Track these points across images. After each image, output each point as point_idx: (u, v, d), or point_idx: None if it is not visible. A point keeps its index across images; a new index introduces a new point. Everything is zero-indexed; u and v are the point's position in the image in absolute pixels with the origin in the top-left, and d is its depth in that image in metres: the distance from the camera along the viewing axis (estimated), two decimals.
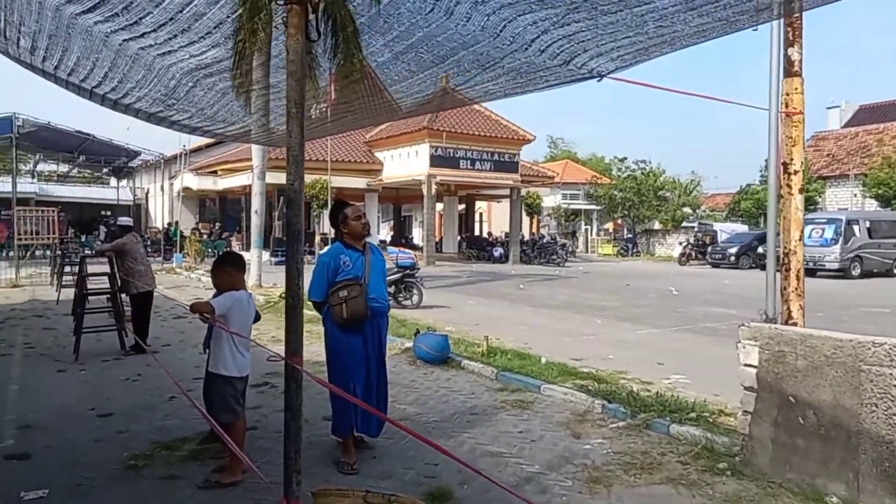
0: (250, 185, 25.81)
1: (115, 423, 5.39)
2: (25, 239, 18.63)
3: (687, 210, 43.41)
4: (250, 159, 25.50)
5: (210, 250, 26.63)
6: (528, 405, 5.99)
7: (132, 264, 8.36)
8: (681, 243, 33.97)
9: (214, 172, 33.18)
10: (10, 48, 4.45)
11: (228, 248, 28.19)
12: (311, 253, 26.45)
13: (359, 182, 30.12)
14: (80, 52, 4.16)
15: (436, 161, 27.93)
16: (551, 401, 6.14)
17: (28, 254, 20.27)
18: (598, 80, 3.97)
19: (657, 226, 43.00)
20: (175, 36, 3.75)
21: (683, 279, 21.80)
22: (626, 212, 40.91)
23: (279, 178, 25.42)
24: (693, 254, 31.12)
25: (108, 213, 36.60)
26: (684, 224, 41.58)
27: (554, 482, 4.24)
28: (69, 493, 4.00)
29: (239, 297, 4.33)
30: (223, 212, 37.36)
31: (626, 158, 44.03)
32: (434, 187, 28.35)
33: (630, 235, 41.63)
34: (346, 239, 4.64)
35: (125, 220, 8.99)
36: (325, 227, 29.50)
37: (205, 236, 32.06)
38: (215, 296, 4.70)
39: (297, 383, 3.06)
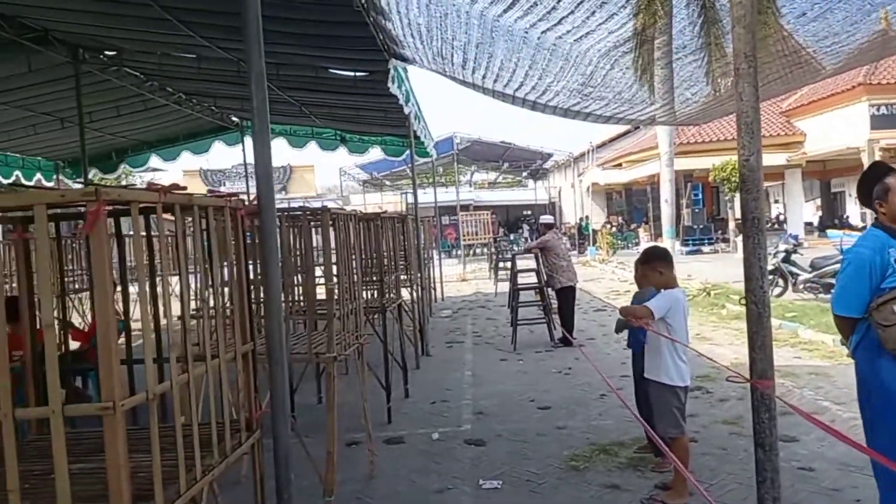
0: (656, 175, 25.28)
1: (553, 417, 5.50)
2: (468, 239, 21.67)
3: None
4: (654, 148, 24.96)
5: (620, 242, 26.90)
6: None
7: (555, 260, 8.67)
8: None
9: (619, 165, 33.56)
10: (446, 67, 4.86)
11: (637, 241, 28.11)
12: (726, 240, 24.48)
13: (776, 158, 26.60)
14: (503, 55, 4.27)
15: (878, 122, 22.77)
16: None
17: (470, 252, 23.54)
18: None
19: None
20: (593, 13, 3.51)
21: None
22: None
23: (687, 163, 23.92)
24: None
25: (529, 212, 40.33)
26: None
27: None
28: (518, 487, 4.12)
29: (675, 297, 3.86)
30: (629, 203, 37.59)
31: None
32: (878, 154, 23.20)
33: None
34: (886, 221, 3.06)
35: (547, 219, 9.43)
36: (739, 212, 26.95)
37: (614, 229, 32.60)
38: (637, 294, 4.33)
39: (769, 414, 2.44)
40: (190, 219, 2.31)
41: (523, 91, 5.05)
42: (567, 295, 8.59)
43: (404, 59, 5.89)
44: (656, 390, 3.89)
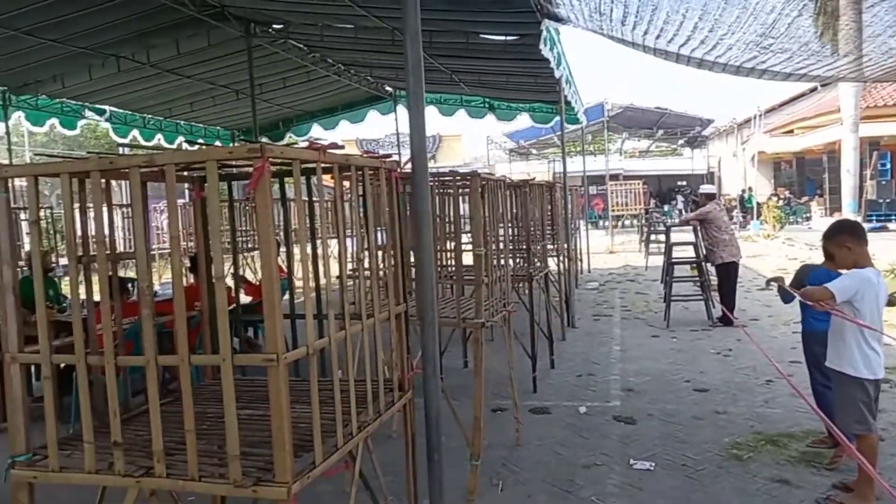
0: (835, 142, 22.63)
1: (711, 401, 5.13)
2: (617, 210, 20.87)
3: None
4: (834, 112, 22.32)
5: (789, 217, 24.60)
6: None
7: (716, 233, 8.04)
8: None
9: (790, 132, 30.48)
10: (603, 24, 4.56)
11: (808, 215, 25.52)
12: None
13: None
14: (669, 7, 3.91)
15: None
16: None
17: (619, 223, 22.68)
18: None
19: None
20: None
21: None
22: None
23: (873, 129, 21.12)
24: None
25: (684, 183, 38.03)
26: None
27: None
28: (673, 471, 3.88)
29: (866, 278, 3.36)
30: (800, 174, 34.13)
31: None
32: None
33: None
34: None
35: (708, 188, 8.76)
36: None
37: (782, 202, 29.86)
38: (800, 271, 3.85)
39: None
40: (347, 182, 2.34)
41: (689, 47, 4.63)
42: (728, 271, 7.95)
43: (558, 19, 5.63)
44: (839, 381, 3.45)
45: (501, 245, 4.10)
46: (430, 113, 13.84)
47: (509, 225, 5.82)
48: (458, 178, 3.77)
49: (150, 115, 12.31)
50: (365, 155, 2.34)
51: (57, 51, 7.92)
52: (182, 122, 13.20)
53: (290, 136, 15.15)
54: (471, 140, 34.33)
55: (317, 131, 15.40)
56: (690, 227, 8.41)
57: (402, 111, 13.92)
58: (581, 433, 4.52)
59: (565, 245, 8.42)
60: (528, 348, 5.55)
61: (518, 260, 5.96)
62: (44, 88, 9.53)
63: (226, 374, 1.74)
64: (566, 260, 8.31)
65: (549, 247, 7.74)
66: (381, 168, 2.32)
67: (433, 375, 2.41)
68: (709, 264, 8.25)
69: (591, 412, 4.95)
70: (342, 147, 2.11)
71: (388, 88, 13.36)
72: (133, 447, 2.07)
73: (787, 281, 4.18)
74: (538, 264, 5.92)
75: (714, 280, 8.28)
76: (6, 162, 4.11)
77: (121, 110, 11.63)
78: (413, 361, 2.56)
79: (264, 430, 2.02)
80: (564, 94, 9.01)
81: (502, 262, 4.12)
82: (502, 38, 7.89)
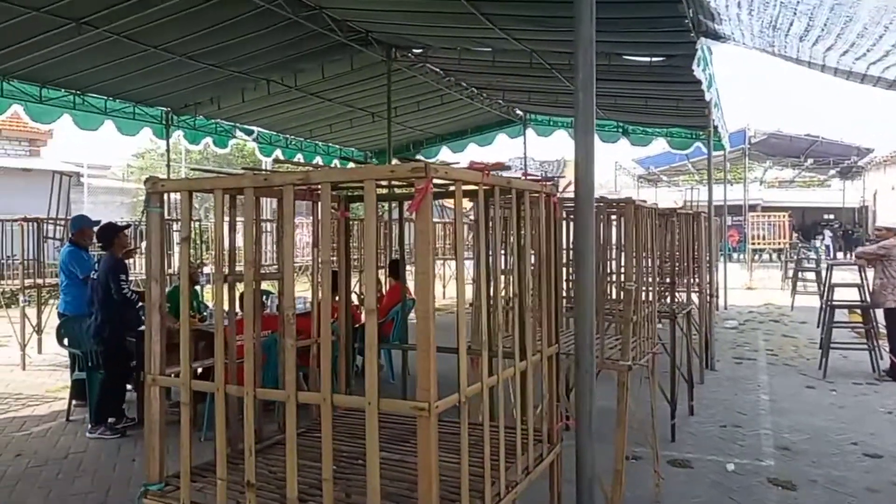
0: None
1: (886, 470, 4.44)
2: (757, 243, 19.39)
3: None
4: None
5: None
6: None
7: (886, 275, 7.11)
8: None
9: None
10: (776, 40, 4.13)
11: None
12: None
13: None
14: (869, 19, 3.43)
15: None
16: None
17: (758, 257, 21.07)
18: None
19: None
20: None
21: None
22: None
23: None
24: None
25: (832, 216, 34.91)
26: None
27: None
28: None
29: None
30: None
31: None
32: None
33: None
34: None
35: (887, 224, 7.75)
36: None
37: None
38: None
39: None
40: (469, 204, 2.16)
41: (883, 65, 4.05)
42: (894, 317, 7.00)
43: (717, 37, 5.22)
44: None
45: (649, 279, 3.76)
46: (561, 136, 13.62)
47: (656, 257, 5.44)
48: (610, 203, 3.50)
49: (292, 136, 12.97)
50: (524, 175, 2.17)
51: (215, 75, 8.50)
52: (320, 143, 13.80)
53: (420, 158, 15.40)
54: (598, 165, 33.41)
55: (445, 154, 15.63)
56: (856, 267, 7.50)
57: (531, 133, 13.77)
58: (731, 495, 4.03)
59: (707, 280, 7.79)
60: (666, 392, 5.10)
61: (660, 295, 5.53)
62: (201, 109, 10.28)
63: (370, 420, 1.60)
64: (708, 296, 7.68)
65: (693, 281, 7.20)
66: (541, 192, 2.13)
67: (588, 430, 2.16)
68: (876, 308, 7.31)
69: (740, 471, 4.43)
70: (508, 168, 1.95)
71: (518, 112, 13.27)
72: (265, 486, 1.99)
73: None
74: (682, 300, 5.47)
75: (883, 328, 7.32)
76: (163, 177, 4.36)
77: (267, 131, 12.34)
78: (561, 411, 2.33)
79: (403, 480, 1.87)
80: (712, 119, 8.44)
81: (650, 297, 3.78)
82: (647, 59, 7.51)
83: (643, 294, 3.60)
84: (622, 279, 3.59)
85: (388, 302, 6.79)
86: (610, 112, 11.54)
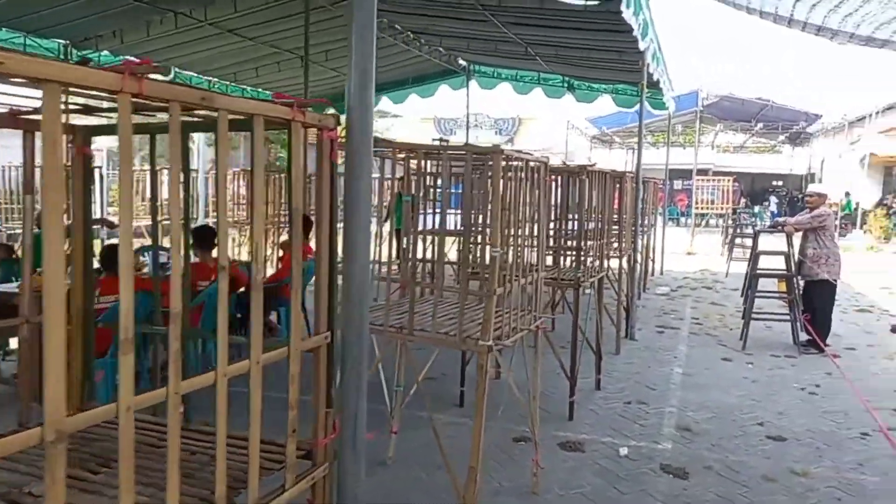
0: None
1: (788, 455, 4.16)
2: (701, 207, 19.32)
3: None
4: None
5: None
6: None
7: (829, 244, 6.81)
8: None
9: None
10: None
11: None
12: None
13: None
14: None
15: None
16: None
17: (703, 222, 21.06)
18: None
19: None
20: None
21: None
22: None
23: None
24: None
25: (780, 183, 35.39)
26: None
27: None
28: None
29: None
30: None
31: None
32: None
33: None
34: None
35: (820, 188, 7.42)
36: None
37: (891, 211, 27.09)
38: None
39: None
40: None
41: (854, 20, 3.59)
42: (826, 289, 6.77)
43: None
44: None
45: (528, 242, 3.29)
46: (505, 90, 13.04)
47: (552, 218, 4.99)
48: (473, 152, 2.96)
49: (215, 79, 12.03)
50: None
51: (116, 2, 7.61)
52: (249, 89, 12.89)
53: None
54: (552, 124, 32.89)
55: (386, 105, 14.89)
56: (784, 234, 7.21)
57: (475, 86, 13.14)
58: (617, 484, 3.68)
59: (633, 244, 7.42)
60: (567, 366, 4.72)
61: (570, 260, 5.10)
62: (104, 44, 9.31)
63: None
64: (631, 260, 7.32)
65: (616, 245, 6.82)
66: (293, 121, 1.61)
67: (352, 444, 1.66)
68: (800, 279, 7.07)
69: (634, 455, 4.09)
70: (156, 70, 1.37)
71: (461, 62, 12.59)
72: None
73: None
74: (594, 265, 5.04)
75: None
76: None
77: (185, 72, 11.39)
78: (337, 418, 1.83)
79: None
80: (650, 73, 7.94)
81: (536, 263, 3.31)
82: (580, 0, 6.93)
83: (527, 260, 3.13)
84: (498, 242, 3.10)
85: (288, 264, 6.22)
86: (553, 64, 10.99)
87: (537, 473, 3.50)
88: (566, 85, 12.34)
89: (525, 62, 11.20)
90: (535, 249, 3.32)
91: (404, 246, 3.27)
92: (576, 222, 4.76)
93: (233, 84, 12.35)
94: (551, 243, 5.04)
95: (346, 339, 1.70)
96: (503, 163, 2.75)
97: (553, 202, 4.91)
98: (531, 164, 3.16)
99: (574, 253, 4.76)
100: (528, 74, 12.31)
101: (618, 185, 6.30)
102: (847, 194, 26.19)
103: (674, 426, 4.60)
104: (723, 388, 5.50)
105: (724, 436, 4.45)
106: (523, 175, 3.00)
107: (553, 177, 5.10)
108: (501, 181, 2.70)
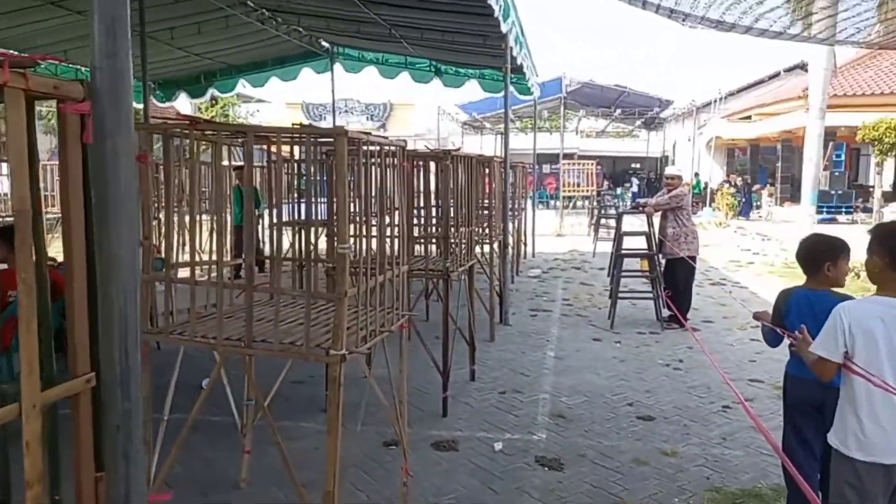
0: (792, 130, 22.19)
1: (657, 435, 4.18)
2: (569, 190, 19.99)
3: None
4: (794, 98, 21.86)
5: (741, 205, 24.26)
6: None
7: (687, 222, 7.09)
8: None
9: (748, 118, 30.11)
10: None
11: (759, 204, 25.17)
12: (867, 210, 21.33)
13: None
14: None
15: None
16: None
17: (570, 204, 21.84)
18: None
19: None
20: None
21: None
22: None
23: (833, 118, 20.73)
24: None
25: (638, 165, 37.61)
26: None
27: None
28: None
29: (837, 322, 2.35)
30: (753, 162, 33.99)
31: None
32: None
33: None
34: None
35: (675, 170, 7.70)
36: (888, 179, 23.54)
37: (734, 189, 29.62)
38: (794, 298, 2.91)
39: None
40: None
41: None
42: (686, 266, 7.04)
43: None
44: (830, 451, 2.48)
45: (395, 233, 2.98)
46: (371, 74, 12.62)
47: (412, 207, 4.73)
48: (314, 135, 2.59)
49: (49, 61, 10.64)
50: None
51: None
52: (84, 69, 11.55)
53: (213, 92, 13.69)
54: (425, 111, 32.88)
55: (248, 89, 14.00)
56: (643, 215, 7.43)
57: (339, 69, 12.59)
58: (491, 484, 3.49)
59: (503, 228, 7.34)
60: (439, 359, 4.49)
61: (436, 249, 4.86)
62: None
63: None
64: (502, 245, 7.25)
65: (486, 231, 6.69)
66: (6, 86, 1.22)
67: None
68: (661, 257, 7.33)
69: (508, 449, 3.93)
70: None
71: (324, 44, 12.01)
72: None
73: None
74: (460, 254, 4.84)
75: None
76: None
77: (9, 49, 9.97)
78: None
79: None
80: (513, 55, 7.87)
81: (395, 256, 3.01)
82: None
83: (386, 253, 2.82)
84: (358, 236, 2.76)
85: None
86: (419, 48, 10.72)
87: (407, 483, 3.22)
88: (433, 69, 12.12)
89: (390, 45, 10.84)
90: (396, 241, 3.02)
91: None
92: (441, 209, 4.52)
93: (64, 65, 11.02)
94: (417, 232, 4.77)
95: (104, 386, 1.30)
96: (352, 147, 2.41)
97: (418, 189, 4.64)
98: (387, 148, 2.84)
99: (441, 241, 4.51)
100: (395, 58, 11.96)
101: (486, 171, 6.15)
102: (696, 175, 28.25)
103: (548, 414, 4.51)
104: (594, 370, 5.52)
105: (596, 420, 4.42)
106: (377, 160, 2.68)
107: (418, 163, 4.84)
108: (353, 167, 2.36)
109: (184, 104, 24.77)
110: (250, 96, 27.94)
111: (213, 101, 26.85)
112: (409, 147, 3.34)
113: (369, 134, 2.57)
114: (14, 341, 4.47)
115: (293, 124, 3.29)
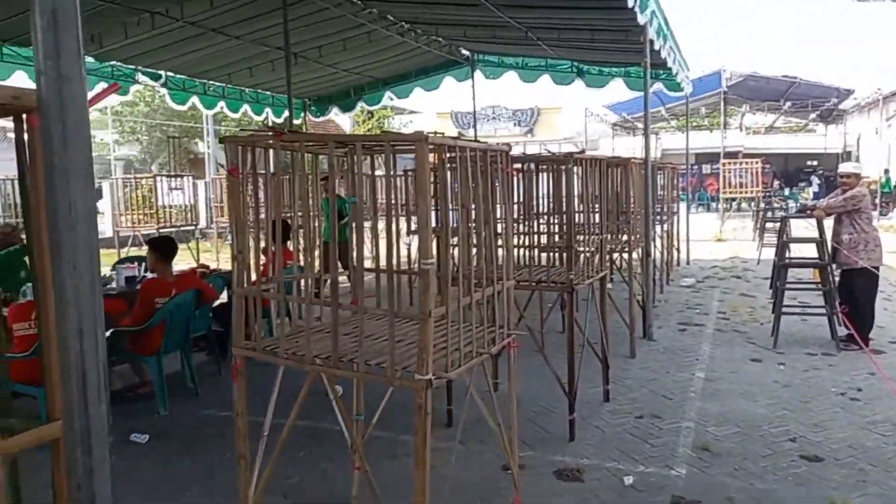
0: None
1: (824, 480, 3.51)
2: (731, 191, 18.45)
3: None
4: None
5: None
6: None
7: (867, 227, 6.04)
8: None
9: None
10: None
11: None
12: None
13: None
14: None
15: None
16: None
17: (733, 206, 20.18)
18: None
19: None
20: None
21: None
22: None
23: None
24: None
25: (815, 163, 33.97)
26: None
27: None
28: None
29: None
30: None
31: None
32: None
33: None
34: None
35: (854, 167, 6.59)
36: None
37: None
38: None
39: None
40: None
41: None
42: (866, 279, 6.02)
43: None
44: None
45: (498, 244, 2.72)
46: (511, 79, 12.42)
47: (526, 213, 4.40)
48: (393, 141, 2.38)
49: (209, 81, 11.65)
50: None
51: (87, 4, 7.24)
52: (247, 90, 12.50)
53: (362, 105, 14.26)
54: (572, 113, 32.04)
55: (395, 101, 14.42)
56: (814, 220, 6.48)
57: (480, 77, 12.53)
58: None
59: (645, 236, 6.76)
60: (564, 379, 4.12)
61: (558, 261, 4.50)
62: (84, 49, 8.98)
63: None
64: (644, 253, 6.67)
65: (623, 238, 6.19)
66: None
67: None
68: (835, 268, 6.33)
69: (640, 484, 3.49)
70: None
71: (464, 52, 12.02)
72: None
73: None
74: (590, 264, 4.44)
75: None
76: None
77: (177, 75, 11.03)
78: None
79: None
80: (656, 49, 7.26)
81: (500, 270, 2.74)
82: None
83: (488, 267, 2.57)
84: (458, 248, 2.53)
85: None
86: (558, 49, 10.37)
87: None
88: (575, 70, 11.67)
89: (529, 48, 10.60)
90: (501, 252, 2.76)
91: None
92: (566, 217, 4.16)
93: (229, 86, 11.98)
94: (539, 241, 4.45)
95: (66, 442, 1.16)
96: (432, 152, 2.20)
97: (539, 195, 4.33)
98: (490, 153, 2.60)
99: (565, 252, 4.16)
100: (535, 61, 11.69)
101: (621, 173, 5.68)
102: (886, 171, 24.86)
103: (690, 446, 3.97)
104: (749, 396, 4.84)
105: (749, 457, 3.81)
106: (480, 166, 2.44)
107: (543, 167, 4.54)
108: (438, 174, 2.15)
109: (343, 119, 26.12)
110: (403, 108, 28.97)
111: (370, 115, 28.16)
112: (554, 151, 3.07)
113: (457, 139, 2.33)
114: (163, 344, 4.78)
115: (434, 133, 3.14)
